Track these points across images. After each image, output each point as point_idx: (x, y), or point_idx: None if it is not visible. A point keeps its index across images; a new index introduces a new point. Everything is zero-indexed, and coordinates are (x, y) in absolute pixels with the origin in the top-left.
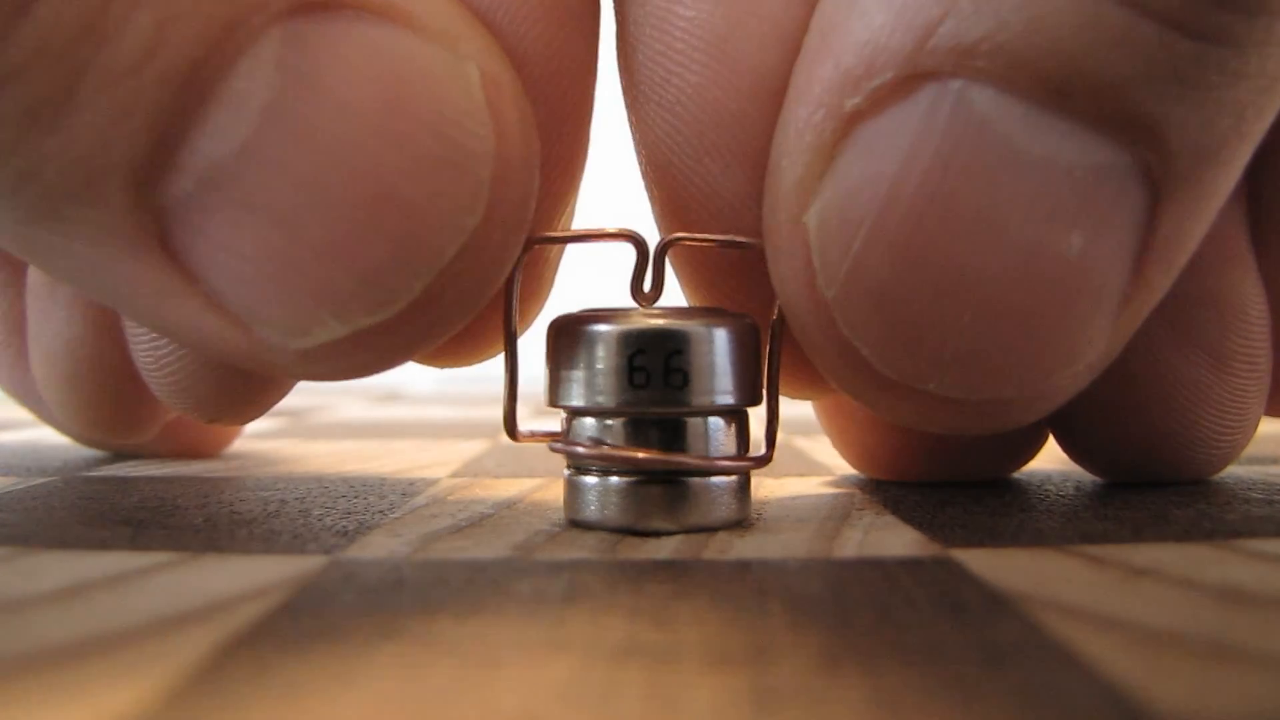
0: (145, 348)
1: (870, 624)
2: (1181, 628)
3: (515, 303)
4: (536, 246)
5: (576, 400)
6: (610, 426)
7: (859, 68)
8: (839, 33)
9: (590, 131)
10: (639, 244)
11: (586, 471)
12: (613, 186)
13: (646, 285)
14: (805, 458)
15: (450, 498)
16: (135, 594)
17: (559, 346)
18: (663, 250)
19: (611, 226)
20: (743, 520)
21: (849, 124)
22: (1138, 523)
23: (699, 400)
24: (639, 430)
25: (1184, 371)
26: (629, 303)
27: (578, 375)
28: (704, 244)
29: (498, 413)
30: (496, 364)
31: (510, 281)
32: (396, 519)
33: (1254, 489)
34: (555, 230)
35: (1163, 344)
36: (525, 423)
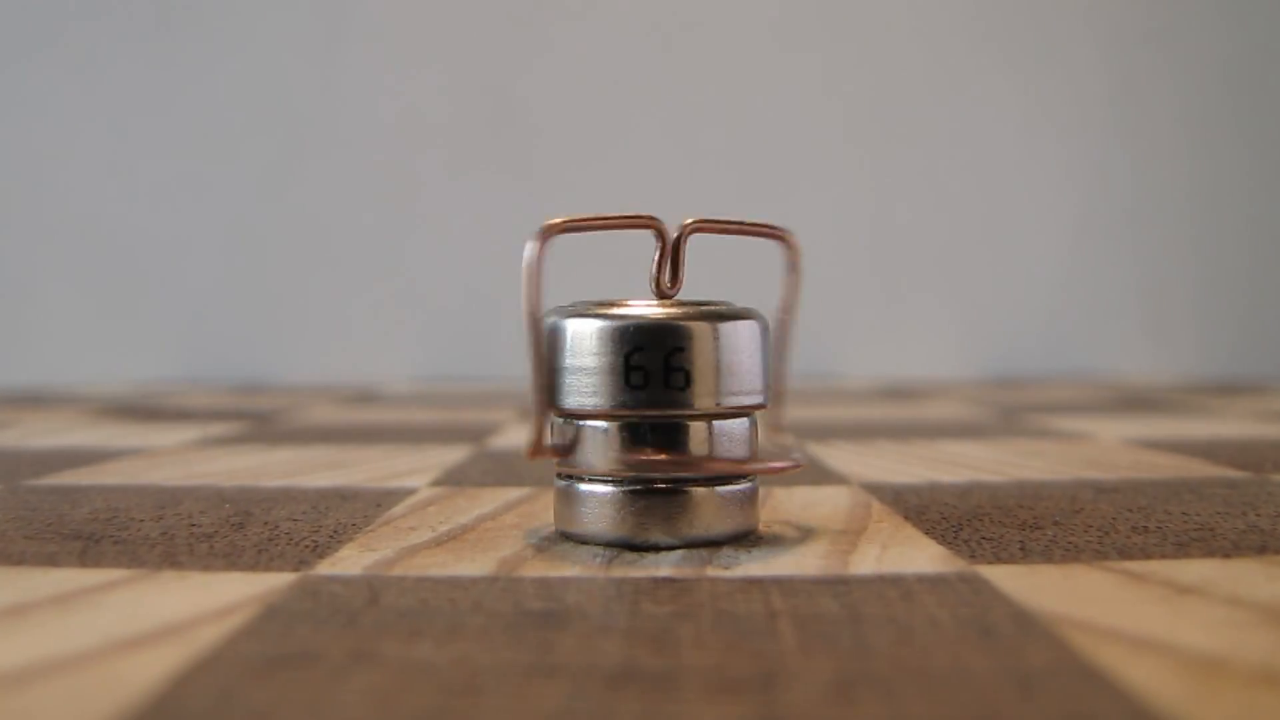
0: None
1: (889, 647)
2: (1230, 650)
3: (539, 291)
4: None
5: (569, 402)
6: (605, 431)
7: None
8: None
9: None
10: (660, 231)
11: (579, 480)
12: (635, 174)
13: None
14: (818, 465)
15: (430, 508)
16: (85, 614)
17: (549, 343)
18: (681, 238)
19: (631, 212)
20: (750, 533)
21: None
22: (1181, 536)
23: (702, 402)
24: (636, 435)
25: None
26: (636, 296)
27: (569, 375)
28: (727, 232)
29: (482, 416)
30: (479, 364)
31: (535, 268)
32: (371, 532)
33: None
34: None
35: None
36: (511, 429)
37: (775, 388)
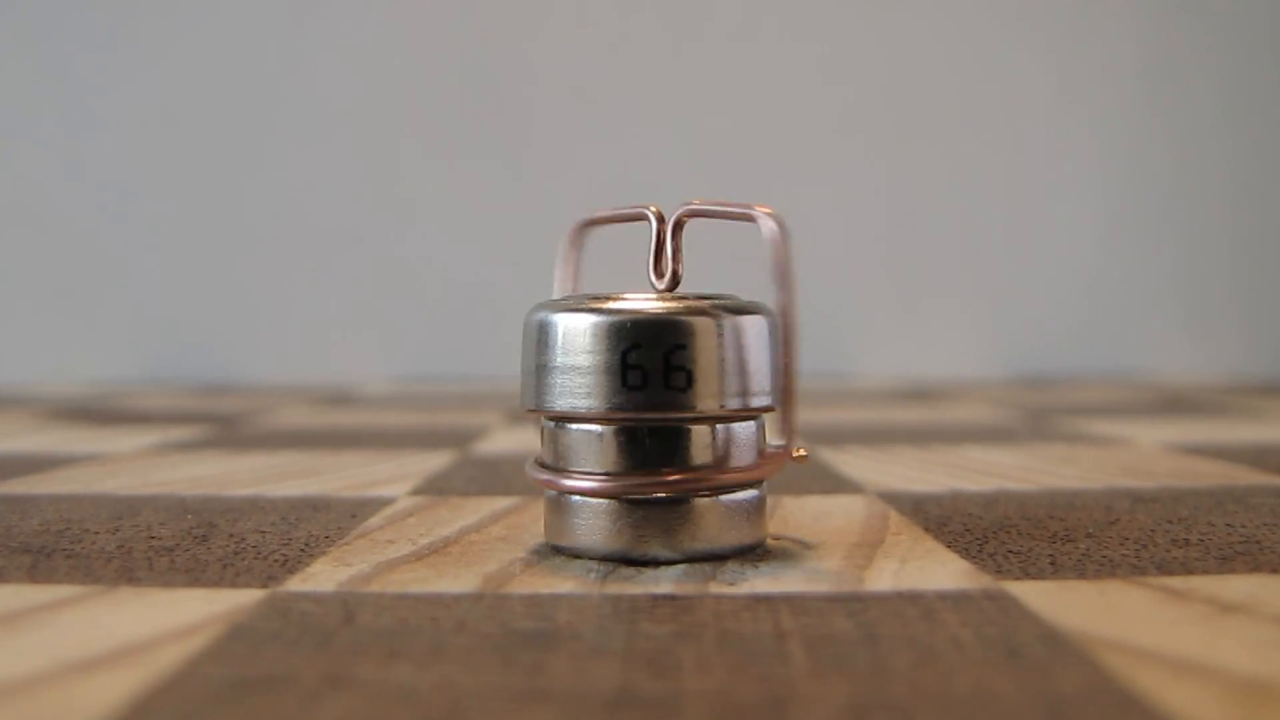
0: None
1: (908, 670)
2: (1277, 673)
3: (576, 282)
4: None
5: (559, 404)
6: (600, 435)
7: None
8: None
9: None
10: (658, 220)
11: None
12: (633, 159)
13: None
14: (831, 472)
15: (410, 520)
16: (35, 634)
17: (539, 340)
18: (677, 226)
19: (627, 204)
20: (757, 546)
21: None
22: (1225, 550)
23: (705, 404)
24: (634, 440)
25: None
26: (633, 289)
27: (560, 375)
28: (716, 216)
29: (465, 419)
30: (463, 363)
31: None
32: (345, 545)
33: None
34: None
35: None
36: (498, 433)
37: (785, 389)
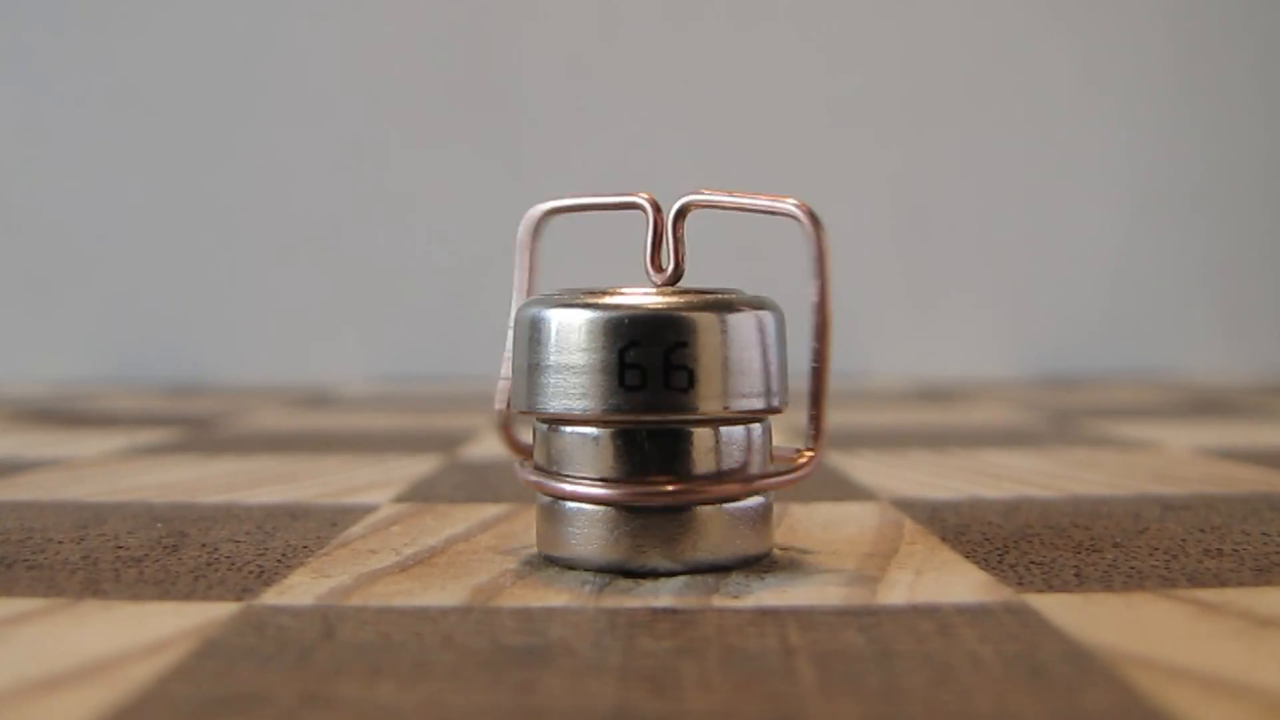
0: None
1: (924, 688)
2: None
3: (532, 278)
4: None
5: (553, 405)
6: (596, 439)
7: None
8: None
9: None
10: (652, 208)
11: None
12: (631, 146)
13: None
14: (842, 478)
15: (393, 528)
16: None
17: (532, 338)
18: (679, 216)
19: (619, 191)
20: (763, 556)
21: None
22: (1261, 560)
23: (708, 405)
24: (632, 443)
25: None
26: (631, 283)
27: (553, 374)
28: (729, 209)
29: (452, 421)
30: (451, 362)
31: (530, 255)
32: (325, 555)
33: None
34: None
35: None
36: (487, 436)
37: (817, 393)
